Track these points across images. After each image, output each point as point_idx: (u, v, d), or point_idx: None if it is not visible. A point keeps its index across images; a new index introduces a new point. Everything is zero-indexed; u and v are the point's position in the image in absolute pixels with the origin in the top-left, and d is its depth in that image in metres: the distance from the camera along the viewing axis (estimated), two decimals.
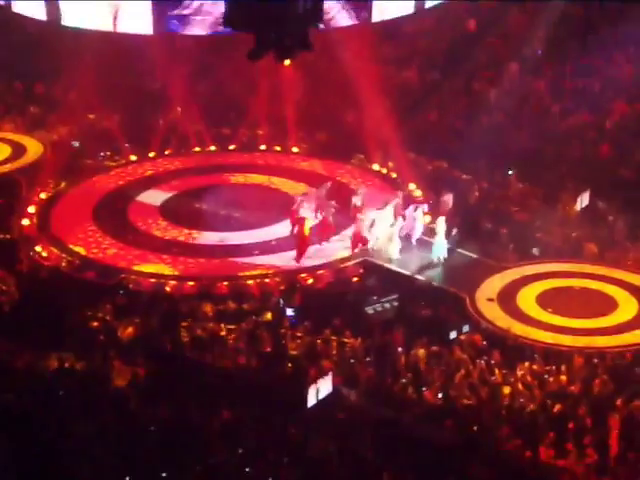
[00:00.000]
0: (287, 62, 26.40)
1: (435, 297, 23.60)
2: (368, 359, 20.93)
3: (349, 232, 25.93)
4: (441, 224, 24.93)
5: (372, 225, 25.33)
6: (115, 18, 23.45)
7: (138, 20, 23.44)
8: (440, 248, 24.94)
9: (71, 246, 25.79)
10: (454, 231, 25.43)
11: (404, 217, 25.73)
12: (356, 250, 25.46)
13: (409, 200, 26.91)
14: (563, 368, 20.45)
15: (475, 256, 24.89)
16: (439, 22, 33.52)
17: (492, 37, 32.94)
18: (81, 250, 25.62)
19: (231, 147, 31.54)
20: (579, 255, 25.30)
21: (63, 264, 25.10)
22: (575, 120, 30.06)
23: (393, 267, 24.79)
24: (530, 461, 17.89)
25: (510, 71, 32.01)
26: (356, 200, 26.52)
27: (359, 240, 25.38)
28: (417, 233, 25.70)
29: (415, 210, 25.77)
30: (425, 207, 26.32)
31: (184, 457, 17.41)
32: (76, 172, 29.47)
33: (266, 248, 25.82)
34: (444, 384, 19.97)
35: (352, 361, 20.89)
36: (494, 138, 29.15)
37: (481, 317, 22.92)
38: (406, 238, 25.53)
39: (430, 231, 25.46)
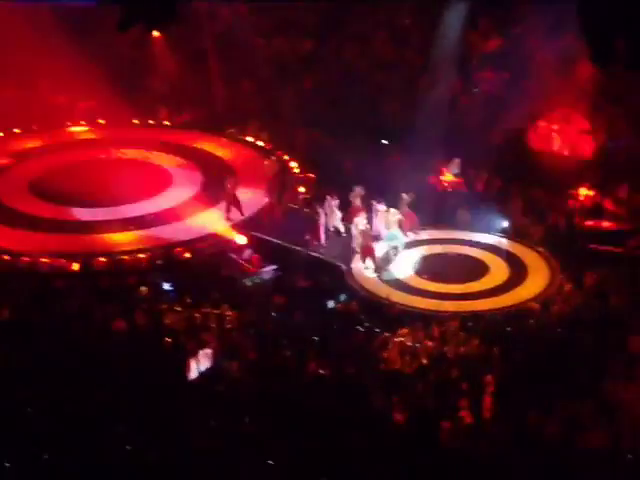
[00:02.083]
0: (156, 33, 26.12)
1: (313, 267, 23.74)
2: (249, 331, 20.93)
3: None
4: (394, 215, 24.63)
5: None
6: None
7: None
8: (394, 238, 24.48)
9: None
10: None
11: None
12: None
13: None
14: (438, 332, 20.84)
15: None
16: None
17: (362, 5, 33.08)
18: None
19: (101, 121, 30.95)
20: (453, 222, 25.83)
21: None
22: (445, 88, 30.47)
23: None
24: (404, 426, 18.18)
25: (380, 39, 32.28)
26: (354, 199, 25.35)
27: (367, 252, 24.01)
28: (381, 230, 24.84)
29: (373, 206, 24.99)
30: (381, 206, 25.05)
31: (64, 439, 17.13)
32: None
33: (142, 223, 25.49)
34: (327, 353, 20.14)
35: (232, 333, 20.87)
36: (367, 107, 29.40)
37: (359, 286, 23.18)
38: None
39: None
